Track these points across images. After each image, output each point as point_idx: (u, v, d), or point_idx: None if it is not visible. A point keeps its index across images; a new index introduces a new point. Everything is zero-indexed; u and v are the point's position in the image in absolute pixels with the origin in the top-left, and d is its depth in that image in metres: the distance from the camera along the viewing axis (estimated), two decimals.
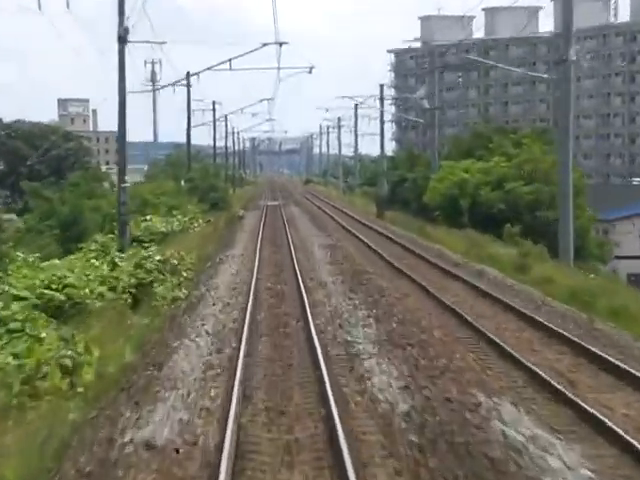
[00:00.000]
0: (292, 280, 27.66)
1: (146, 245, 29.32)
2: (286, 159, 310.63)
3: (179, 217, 41.94)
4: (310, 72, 63.25)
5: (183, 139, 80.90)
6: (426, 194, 48.88)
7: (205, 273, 29.89)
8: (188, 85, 72.91)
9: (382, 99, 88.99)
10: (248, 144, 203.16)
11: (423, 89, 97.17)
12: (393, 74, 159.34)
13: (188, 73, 72.10)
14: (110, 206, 45.27)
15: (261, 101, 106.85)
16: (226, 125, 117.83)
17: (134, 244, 30.34)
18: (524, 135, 54.65)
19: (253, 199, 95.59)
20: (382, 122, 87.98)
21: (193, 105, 76.10)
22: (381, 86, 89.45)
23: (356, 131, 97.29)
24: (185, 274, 25.72)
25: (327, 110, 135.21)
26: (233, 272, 30.17)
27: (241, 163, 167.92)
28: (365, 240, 40.50)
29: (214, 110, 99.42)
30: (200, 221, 43.13)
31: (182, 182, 56.61)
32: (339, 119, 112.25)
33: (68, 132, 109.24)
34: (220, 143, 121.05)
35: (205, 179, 64.04)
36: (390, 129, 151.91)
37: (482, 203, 45.43)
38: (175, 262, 25.17)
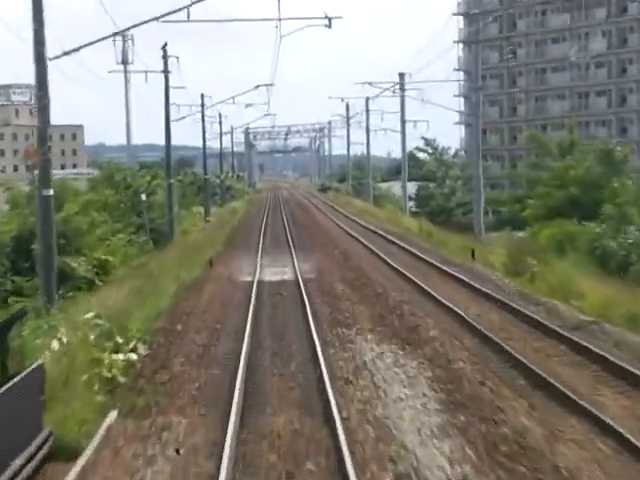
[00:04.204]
0: None
1: None
2: (290, 159, 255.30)
3: None
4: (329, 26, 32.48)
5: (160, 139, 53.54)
6: None
7: None
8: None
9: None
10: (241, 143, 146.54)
11: None
12: (462, 47, 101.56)
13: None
14: None
15: (257, 87, 62.85)
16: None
17: None
18: None
19: (229, 247, 39.44)
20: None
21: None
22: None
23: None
24: None
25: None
26: None
27: (226, 164, 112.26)
28: None
29: (202, 103, 67.42)
30: None
31: None
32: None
33: None
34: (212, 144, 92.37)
35: None
36: (456, 131, 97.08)
37: None
38: None
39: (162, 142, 51.07)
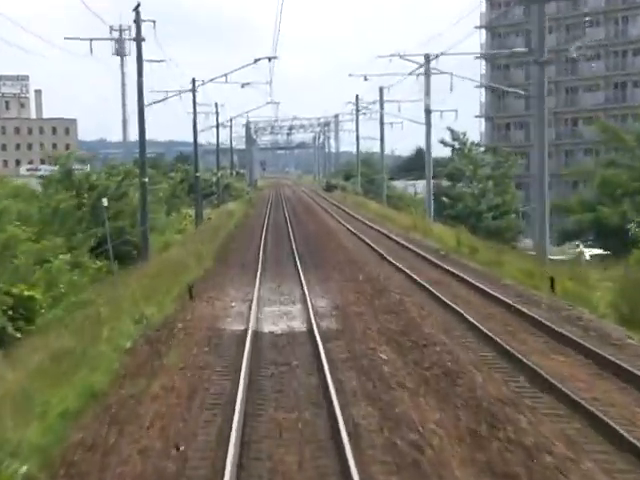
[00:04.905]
0: None
1: None
2: (293, 156, 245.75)
3: None
4: None
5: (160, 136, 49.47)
6: None
7: None
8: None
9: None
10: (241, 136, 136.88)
11: None
12: (484, 33, 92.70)
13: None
14: None
15: (257, 61, 50.85)
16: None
17: None
18: None
19: (218, 265, 30.05)
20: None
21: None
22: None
23: None
24: None
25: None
26: None
27: (225, 161, 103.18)
28: None
29: (194, 88, 57.38)
30: None
31: None
32: None
33: None
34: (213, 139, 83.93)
35: None
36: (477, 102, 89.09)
37: None
38: None
39: (162, 138, 41.51)
